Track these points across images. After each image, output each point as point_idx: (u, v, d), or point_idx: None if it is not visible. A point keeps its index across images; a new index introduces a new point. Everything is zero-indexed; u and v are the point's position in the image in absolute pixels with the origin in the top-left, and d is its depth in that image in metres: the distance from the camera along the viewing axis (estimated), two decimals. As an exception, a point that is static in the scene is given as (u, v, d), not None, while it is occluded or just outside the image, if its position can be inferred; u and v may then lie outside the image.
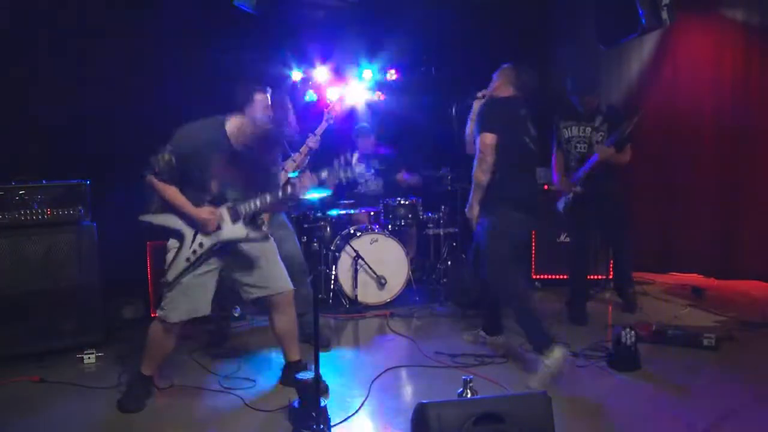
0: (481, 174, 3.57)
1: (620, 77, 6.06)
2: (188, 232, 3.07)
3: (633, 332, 3.60)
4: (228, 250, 3.17)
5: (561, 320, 4.54)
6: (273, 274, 3.28)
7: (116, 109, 4.80)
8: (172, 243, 3.11)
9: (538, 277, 5.58)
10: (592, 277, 4.98)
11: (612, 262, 5.23)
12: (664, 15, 4.29)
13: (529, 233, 3.67)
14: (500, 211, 3.58)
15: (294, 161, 4.17)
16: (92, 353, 3.88)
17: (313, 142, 4.27)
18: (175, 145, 3.01)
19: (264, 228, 3.23)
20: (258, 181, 3.20)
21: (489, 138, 3.54)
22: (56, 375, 3.63)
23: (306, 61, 5.78)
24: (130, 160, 4.67)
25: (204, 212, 3.03)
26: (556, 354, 3.34)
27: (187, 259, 3.06)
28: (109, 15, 4.73)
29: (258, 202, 3.10)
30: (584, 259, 4.72)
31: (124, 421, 3.09)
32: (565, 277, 5.48)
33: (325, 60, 5.80)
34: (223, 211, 3.09)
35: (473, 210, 3.66)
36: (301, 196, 3.18)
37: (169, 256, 3.10)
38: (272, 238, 3.37)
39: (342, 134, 5.97)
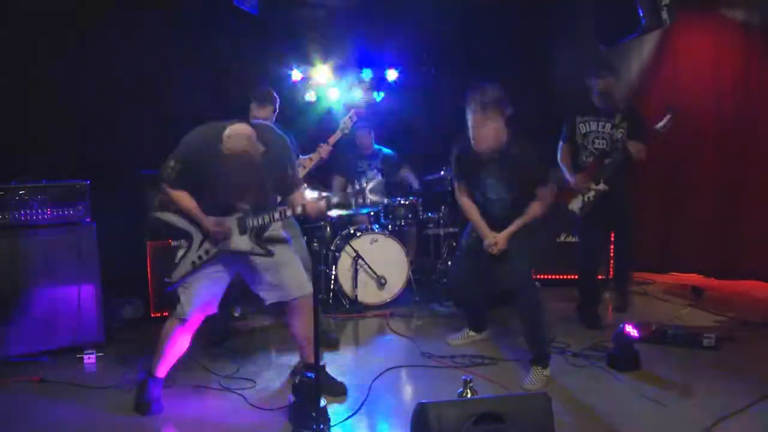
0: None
1: (620, 77, 6.04)
2: (197, 237, 3.10)
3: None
4: (235, 259, 3.17)
5: (560, 320, 4.54)
6: (290, 278, 3.22)
7: (116, 110, 4.80)
8: (183, 242, 3.13)
9: (537, 276, 5.58)
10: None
11: (612, 261, 5.22)
12: (664, 15, 4.28)
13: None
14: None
15: (304, 167, 4.21)
16: (92, 353, 3.88)
17: (325, 151, 4.30)
18: (177, 153, 3.03)
19: (269, 247, 3.16)
20: (265, 188, 3.15)
21: None
22: (56, 375, 3.63)
23: (306, 61, 5.78)
24: (130, 160, 4.73)
25: (210, 223, 3.04)
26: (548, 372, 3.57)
27: (193, 263, 3.09)
28: (109, 15, 4.74)
29: (267, 218, 3.11)
30: (597, 259, 4.70)
31: (124, 421, 3.09)
32: (564, 276, 5.51)
33: (325, 60, 5.80)
34: (232, 222, 3.09)
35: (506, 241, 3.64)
36: (312, 218, 3.18)
37: (179, 254, 3.11)
38: (290, 242, 3.34)
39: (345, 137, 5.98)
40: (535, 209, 3.63)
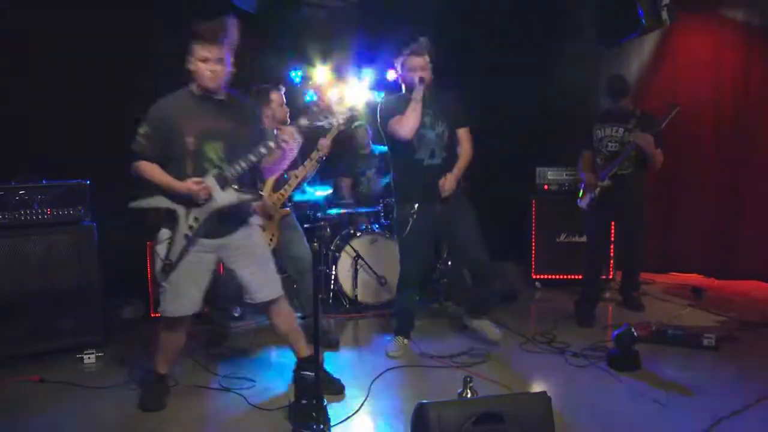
0: None
1: (633, 91, 6.03)
2: (181, 210, 3.06)
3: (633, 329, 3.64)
4: (220, 233, 3.13)
5: (561, 320, 4.54)
6: (263, 280, 3.21)
7: (116, 110, 4.79)
8: (163, 234, 3.08)
9: (538, 276, 5.58)
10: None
11: (622, 264, 5.19)
12: (664, 15, 4.29)
13: None
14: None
15: (305, 169, 4.09)
16: (92, 353, 3.88)
17: (324, 147, 4.08)
18: (147, 118, 3.08)
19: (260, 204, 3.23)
20: (238, 135, 3.14)
21: None
22: (56, 375, 3.63)
23: (306, 61, 5.77)
24: (130, 160, 4.71)
25: (190, 183, 2.99)
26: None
27: (186, 236, 3.05)
28: (109, 14, 4.73)
29: (243, 164, 3.07)
30: (601, 259, 4.75)
31: (123, 421, 3.09)
32: (564, 276, 5.51)
33: (325, 60, 5.79)
34: (210, 181, 3.05)
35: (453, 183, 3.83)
36: (287, 149, 3.19)
37: (161, 247, 3.07)
38: (262, 243, 3.34)
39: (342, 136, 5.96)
40: (466, 150, 3.90)
